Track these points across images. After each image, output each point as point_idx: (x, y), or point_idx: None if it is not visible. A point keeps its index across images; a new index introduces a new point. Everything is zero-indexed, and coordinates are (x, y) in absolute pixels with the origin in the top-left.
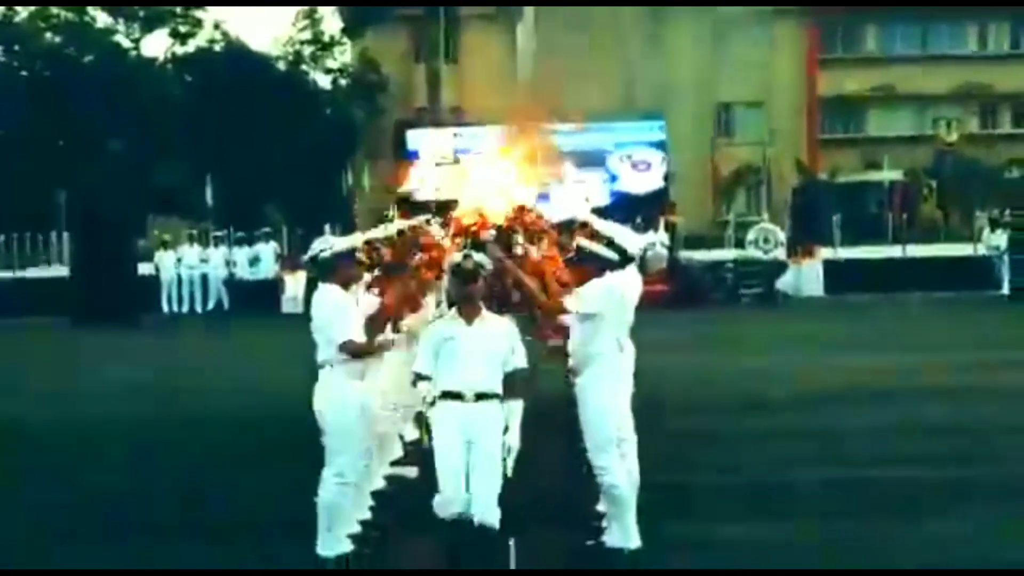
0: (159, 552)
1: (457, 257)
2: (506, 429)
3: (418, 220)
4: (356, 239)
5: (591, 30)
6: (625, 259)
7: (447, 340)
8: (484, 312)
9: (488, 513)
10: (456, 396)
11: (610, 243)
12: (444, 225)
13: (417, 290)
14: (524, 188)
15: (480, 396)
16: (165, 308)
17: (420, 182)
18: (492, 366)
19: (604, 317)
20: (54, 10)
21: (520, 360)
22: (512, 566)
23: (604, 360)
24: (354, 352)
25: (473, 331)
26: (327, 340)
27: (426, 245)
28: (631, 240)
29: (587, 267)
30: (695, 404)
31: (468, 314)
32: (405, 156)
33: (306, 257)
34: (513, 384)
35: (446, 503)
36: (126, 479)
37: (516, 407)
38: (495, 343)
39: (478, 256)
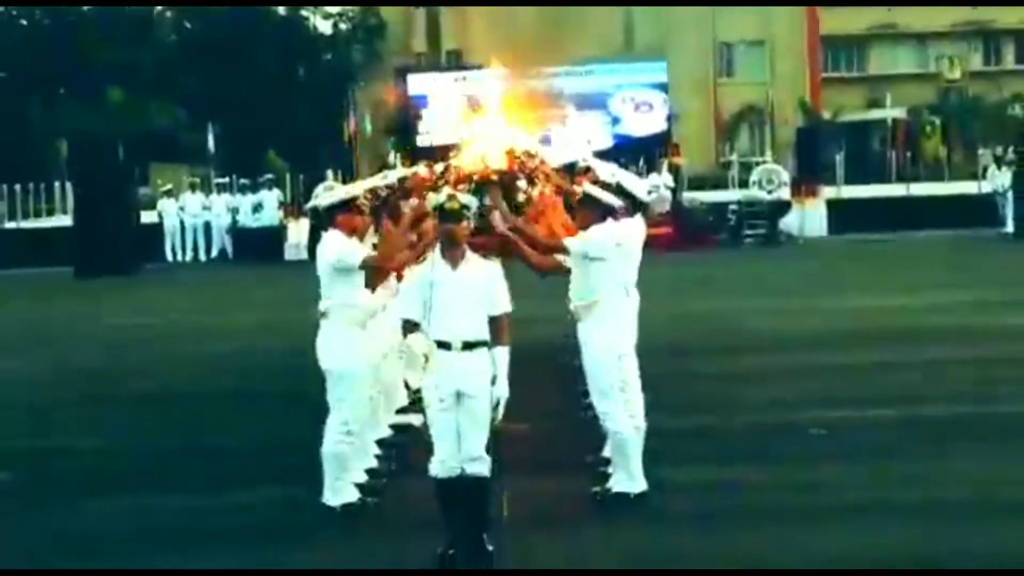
0: (159, 502)
1: (441, 197)
2: (494, 379)
3: (419, 168)
4: (356, 187)
5: None
6: (635, 205)
7: (432, 285)
8: (468, 255)
9: (479, 464)
10: (443, 345)
11: (619, 189)
12: (444, 171)
13: (419, 241)
14: (525, 133)
15: (467, 345)
16: (169, 257)
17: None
18: (477, 312)
19: (608, 262)
20: None
21: (504, 304)
22: (505, 514)
23: (608, 306)
24: (376, 264)
25: (457, 275)
26: (329, 287)
27: (416, 186)
28: (637, 186)
29: (589, 213)
30: (691, 347)
31: (452, 257)
32: (411, 101)
33: (308, 206)
34: (498, 329)
35: (441, 464)
36: (127, 429)
37: (502, 354)
38: (480, 288)
39: (464, 197)
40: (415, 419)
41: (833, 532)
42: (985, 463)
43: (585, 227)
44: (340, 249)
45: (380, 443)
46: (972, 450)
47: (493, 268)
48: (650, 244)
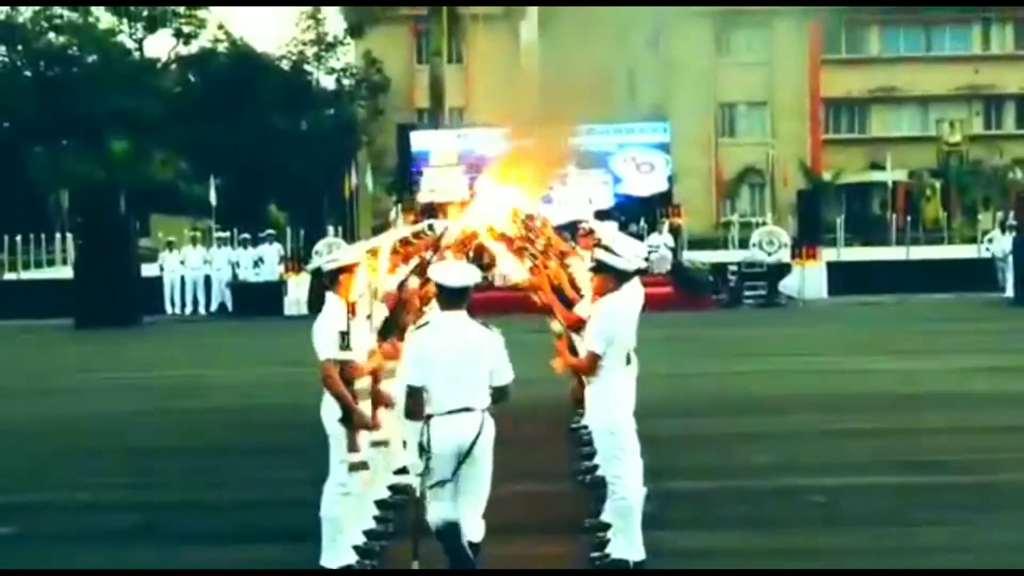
0: (157, 557)
1: (445, 273)
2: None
3: (421, 226)
4: (359, 249)
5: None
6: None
7: (433, 353)
8: (470, 323)
9: (472, 528)
10: (446, 413)
11: (607, 249)
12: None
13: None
14: (528, 195)
15: (469, 410)
16: (168, 310)
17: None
18: (479, 380)
19: (616, 333)
20: (58, 10)
21: (506, 375)
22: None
23: (615, 373)
24: (324, 380)
25: (459, 343)
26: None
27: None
28: (635, 250)
29: (605, 279)
30: (690, 408)
31: (453, 325)
32: (411, 158)
33: (310, 267)
34: (502, 396)
35: (437, 516)
36: (125, 483)
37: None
38: (482, 357)
39: (467, 273)
40: (414, 481)
41: None
42: (988, 531)
43: (602, 293)
44: (319, 331)
45: (379, 504)
46: (974, 518)
47: (495, 337)
48: (650, 304)
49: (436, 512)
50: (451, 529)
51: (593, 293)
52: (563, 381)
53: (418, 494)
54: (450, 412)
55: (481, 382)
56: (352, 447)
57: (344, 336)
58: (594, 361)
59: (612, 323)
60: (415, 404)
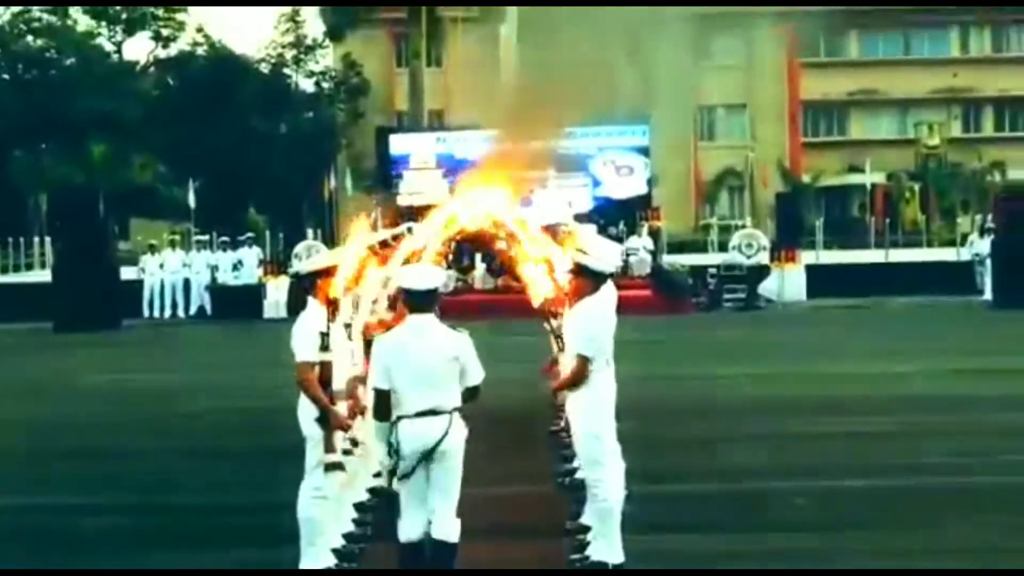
0: (128, 561)
1: (410, 276)
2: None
3: (400, 229)
4: (337, 253)
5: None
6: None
7: (401, 356)
8: (438, 325)
9: (447, 529)
10: (414, 415)
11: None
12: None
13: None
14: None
15: (437, 413)
16: (146, 313)
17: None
18: (447, 382)
19: (599, 336)
20: (36, 12)
21: (476, 376)
22: None
23: (596, 376)
24: (301, 382)
25: (426, 346)
26: None
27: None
28: (611, 252)
29: (584, 282)
30: (669, 411)
31: (421, 328)
32: (390, 161)
33: (291, 270)
34: (472, 398)
35: (407, 528)
36: (100, 486)
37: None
38: (450, 359)
39: (432, 276)
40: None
41: None
42: (970, 533)
43: (580, 296)
44: (297, 332)
45: (357, 507)
46: (956, 520)
47: (463, 340)
48: (629, 307)
49: (405, 529)
50: (416, 552)
51: (570, 296)
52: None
53: (389, 493)
54: (418, 414)
55: (449, 384)
56: (328, 448)
57: (324, 337)
58: (585, 365)
59: (596, 326)
60: (383, 407)
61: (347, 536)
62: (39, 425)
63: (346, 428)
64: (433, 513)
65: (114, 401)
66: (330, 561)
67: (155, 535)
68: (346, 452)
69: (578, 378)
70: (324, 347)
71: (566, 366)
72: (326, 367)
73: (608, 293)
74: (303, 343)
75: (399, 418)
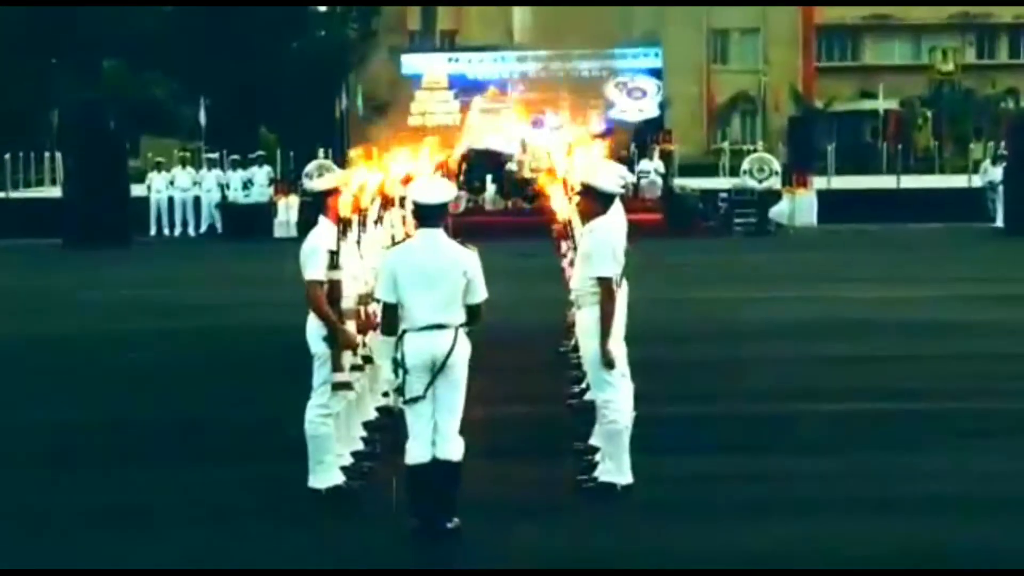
0: (149, 477)
1: (421, 190)
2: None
3: None
4: (347, 173)
5: None
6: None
7: (408, 269)
8: (446, 241)
9: (452, 447)
10: (419, 328)
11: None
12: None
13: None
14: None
15: (443, 327)
16: (153, 230)
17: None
18: (453, 297)
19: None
20: None
21: (480, 294)
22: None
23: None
24: (310, 300)
25: (433, 260)
26: None
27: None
28: (617, 173)
29: (591, 202)
30: (679, 334)
31: (429, 242)
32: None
33: (302, 190)
34: (475, 316)
35: (414, 450)
36: (106, 402)
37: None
38: (456, 274)
39: (443, 190)
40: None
41: (824, 525)
42: (976, 458)
43: (587, 216)
44: (307, 251)
45: (366, 425)
46: (963, 444)
47: (471, 256)
48: (639, 230)
49: (412, 452)
50: (424, 473)
51: (580, 217)
52: (550, 306)
53: (395, 411)
54: (423, 328)
55: (455, 299)
56: (337, 367)
57: (333, 256)
58: (611, 286)
59: (610, 245)
60: (389, 320)
61: (356, 454)
62: (43, 341)
63: (355, 347)
64: (437, 432)
65: (125, 317)
66: (339, 479)
67: (157, 452)
68: (356, 368)
69: (610, 303)
70: (334, 265)
71: (574, 279)
72: (336, 286)
73: (617, 213)
74: (312, 262)
75: (404, 332)
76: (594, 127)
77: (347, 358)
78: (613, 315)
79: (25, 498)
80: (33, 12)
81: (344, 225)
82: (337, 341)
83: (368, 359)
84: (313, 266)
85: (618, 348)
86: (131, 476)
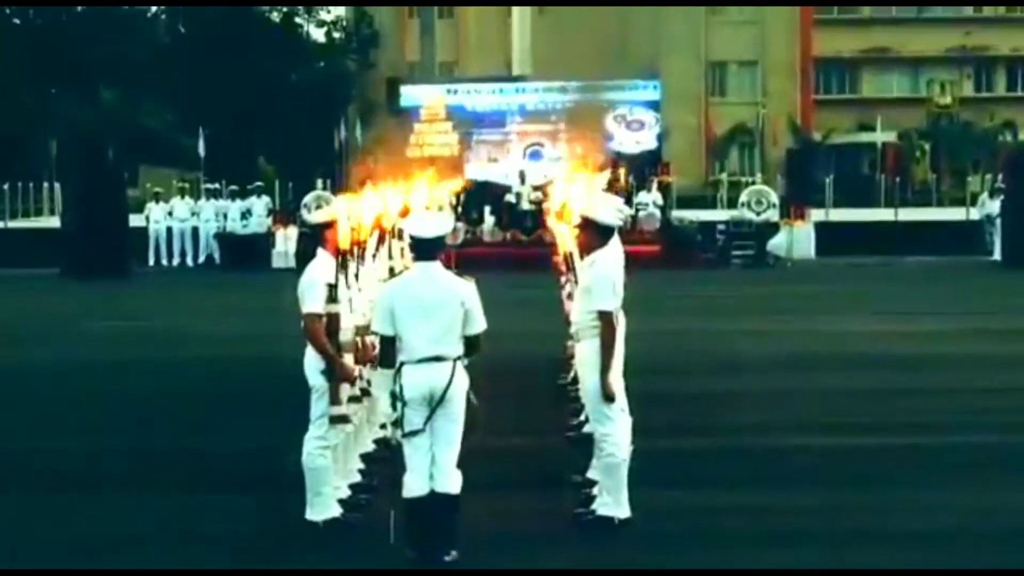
0: (146, 503)
1: (417, 224)
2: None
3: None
4: (345, 206)
5: None
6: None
7: (405, 301)
8: (443, 273)
9: (449, 481)
10: (417, 361)
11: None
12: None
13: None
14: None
15: (441, 359)
16: (151, 261)
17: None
18: (450, 329)
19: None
20: None
21: (478, 325)
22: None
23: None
24: (308, 333)
25: (430, 292)
26: None
27: None
28: (616, 206)
29: (590, 236)
30: (677, 366)
31: (426, 274)
32: (399, 112)
33: (300, 222)
34: (474, 348)
35: (412, 484)
36: (104, 430)
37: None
38: (454, 306)
39: (438, 223)
40: (399, 433)
41: (818, 560)
42: (969, 492)
43: (586, 250)
44: (306, 283)
45: (364, 458)
46: (955, 479)
47: (468, 287)
48: (637, 261)
49: (410, 485)
50: (421, 507)
51: (579, 250)
52: (550, 337)
53: (393, 444)
54: (421, 360)
55: (453, 331)
56: (334, 400)
57: (332, 288)
58: (611, 320)
59: (611, 278)
60: (387, 353)
61: (353, 487)
62: (41, 369)
63: (352, 381)
64: (434, 465)
65: (123, 347)
66: (336, 511)
67: (156, 480)
68: (354, 399)
69: (611, 336)
70: (332, 299)
71: (574, 312)
72: (334, 318)
73: (615, 246)
74: (311, 295)
75: (402, 364)
76: (592, 159)
77: (345, 391)
78: (613, 348)
79: (19, 525)
80: (33, 41)
81: (342, 257)
82: (335, 374)
83: (366, 391)
84: (311, 299)
85: (616, 382)
86: (127, 503)
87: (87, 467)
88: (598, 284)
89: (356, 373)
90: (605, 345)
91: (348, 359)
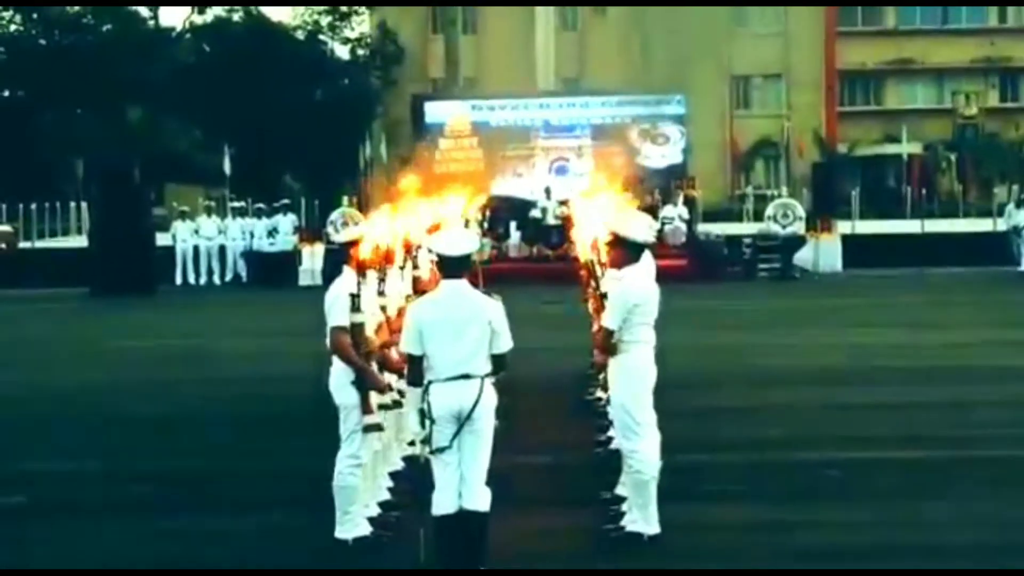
0: (171, 526)
1: (444, 242)
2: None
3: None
4: (370, 225)
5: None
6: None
7: (433, 320)
8: (470, 291)
9: (479, 499)
10: (445, 379)
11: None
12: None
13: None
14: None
15: (469, 377)
16: (179, 279)
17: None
18: (478, 348)
19: (640, 307)
20: None
21: (505, 344)
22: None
23: (635, 347)
24: (335, 346)
25: (458, 311)
26: None
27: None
28: (646, 222)
29: (620, 253)
30: (704, 380)
31: (453, 293)
32: (425, 129)
33: (327, 242)
34: (501, 366)
35: (441, 501)
36: (134, 451)
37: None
38: (481, 324)
39: (466, 241)
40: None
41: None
42: (1001, 506)
43: (618, 266)
44: (331, 299)
45: (392, 475)
46: (984, 493)
47: (495, 306)
48: (664, 276)
49: (439, 503)
50: (451, 524)
51: (611, 266)
52: (576, 353)
53: (422, 461)
54: (449, 379)
55: (480, 350)
56: (367, 410)
57: (355, 299)
58: (607, 336)
59: (626, 299)
60: (415, 372)
61: (383, 504)
62: (69, 390)
63: (383, 389)
64: (463, 482)
65: (152, 366)
66: (366, 529)
67: (181, 501)
68: (386, 407)
69: (600, 347)
70: (356, 308)
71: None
72: (358, 329)
73: (647, 263)
74: (336, 309)
75: (430, 383)
76: (619, 173)
77: (375, 399)
78: (605, 362)
79: (68, 549)
80: (62, 63)
81: (363, 272)
82: (365, 384)
83: (398, 402)
84: (336, 313)
85: (641, 400)
86: (154, 526)
87: (111, 489)
88: (612, 301)
89: (386, 382)
90: (596, 350)
91: (374, 368)
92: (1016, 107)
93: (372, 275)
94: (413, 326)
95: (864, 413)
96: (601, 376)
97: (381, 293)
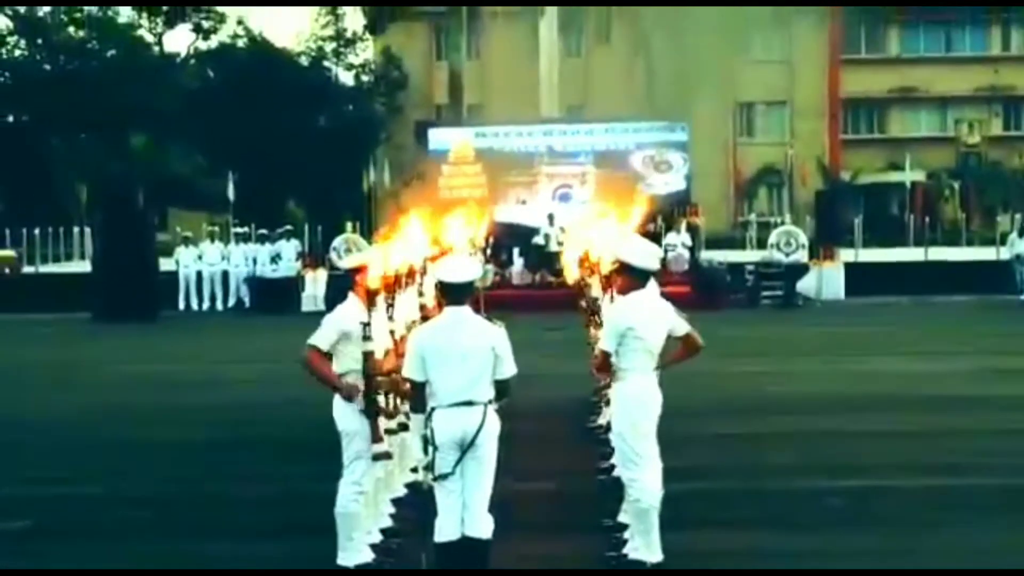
0: (171, 551)
1: (447, 269)
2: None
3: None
4: (375, 252)
5: (613, 29)
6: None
7: (436, 347)
8: (473, 317)
9: (481, 526)
10: (448, 406)
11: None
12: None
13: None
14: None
15: (472, 404)
16: (181, 305)
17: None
18: (481, 374)
19: (635, 330)
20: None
21: (508, 370)
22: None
23: (637, 374)
24: (308, 365)
25: (461, 337)
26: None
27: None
28: (651, 249)
29: (627, 279)
30: (706, 408)
31: (456, 319)
32: (428, 155)
33: (331, 268)
34: (504, 392)
35: (444, 528)
36: (138, 476)
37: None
38: (484, 351)
39: (468, 268)
40: (430, 477)
41: None
42: (1000, 534)
43: (623, 293)
44: (326, 320)
45: (395, 502)
46: (991, 521)
47: (499, 332)
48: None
49: (442, 530)
50: (454, 551)
51: (617, 293)
52: (578, 380)
53: (425, 488)
54: (452, 405)
55: (483, 376)
56: (376, 438)
57: (365, 327)
58: (603, 359)
59: (619, 322)
60: (418, 399)
61: (385, 531)
62: (71, 414)
63: (353, 396)
64: (466, 509)
65: (154, 392)
66: (368, 556)
67: (182, 527)
68: (401, 427)
69: (597, 369)
70: (367, 336)
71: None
72: (370, 357)
73: (651, 290)
74: (324, 330)
75: (433, 409)
76: (622, 201)
77: (384, 425)
78: (600, 374)
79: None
80: (65, 88)
81: (372, 299)
82: (373, 413)
83: (404, 425)
84: (320, 333)
85: (641, 429)
86: (155, 550)
87: (112, 514)
88: (607, 324)
89: (360, 388)
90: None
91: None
92: (1020, 135)
93: (381, 301)
94: (416, 353)
95: (866, 441)
96: (603, 402)
97: (390, 318)
